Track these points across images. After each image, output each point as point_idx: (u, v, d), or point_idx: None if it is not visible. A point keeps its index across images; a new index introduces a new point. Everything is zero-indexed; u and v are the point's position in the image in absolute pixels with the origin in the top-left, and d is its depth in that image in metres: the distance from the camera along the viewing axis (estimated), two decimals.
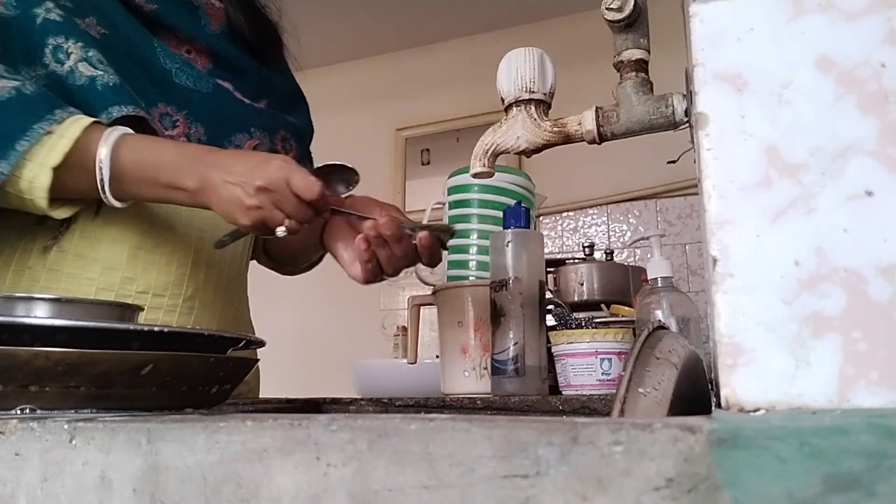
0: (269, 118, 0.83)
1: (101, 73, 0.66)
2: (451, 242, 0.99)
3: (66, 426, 0.31)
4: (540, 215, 2.11)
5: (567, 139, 0.56)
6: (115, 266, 0.70)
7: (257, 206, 0.61)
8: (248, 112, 0.81)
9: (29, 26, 0.66)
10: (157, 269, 0.73)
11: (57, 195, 0.62)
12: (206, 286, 0.77)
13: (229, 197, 0.61)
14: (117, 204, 0.64)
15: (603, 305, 1.31)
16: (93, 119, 0.63)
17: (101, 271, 0.70)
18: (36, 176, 0.59)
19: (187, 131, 0.74)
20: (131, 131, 0.64)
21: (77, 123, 0.61)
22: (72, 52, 0.66)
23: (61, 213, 0.65)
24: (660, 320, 0.87)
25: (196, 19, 0.78)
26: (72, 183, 0.62)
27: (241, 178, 0.61)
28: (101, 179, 0.61)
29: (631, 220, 2.08)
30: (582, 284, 1.40)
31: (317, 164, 0.98)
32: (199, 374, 0.42)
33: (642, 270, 1.36)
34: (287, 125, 0.86)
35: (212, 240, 0.78)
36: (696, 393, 0.38)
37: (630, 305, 1.27)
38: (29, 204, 0.62)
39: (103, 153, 0.61)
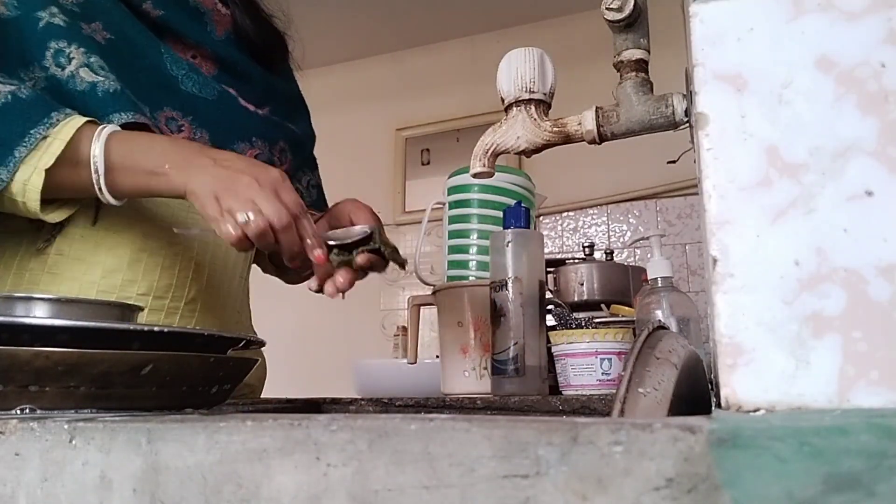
0: (270, 126, 0.84)
1: (101, 79, 0.66)
2: (451, 242, 0.99)
3: (66, 426, 0.31)
4: (540, 215, 2.11)
5: (567, 139, 0.56)
6: (116, 269, 0.70)
7: (230, 189, 0.58)
8: (251, 120, 0.81)
9: (30, 28, 0.65)
10: (159, 271, 0.72)
11: (50, 196, 0.62)
12: (208, 289, 0.77)
13: (209, 176, 0.59)
14: (113, 201, 0.63)
15: (603, 305, 1.31)
16: (86, 119, 0.62)
17: (103, 274, 0.69)
18: (29, 178, 0.59)
19: (192, 136, 0.75)
20: (121, 129, 0.63)
21: (70, 124, 0.60)
22: (73, 58, 0.65)
23: (54, 217, 0.64)
24: (660, 320, 0.87)
25: (202, 25, 0.79)
26: (65, 182, 0.61)
27: (232, 166, 0.59)
28: (97, 177, 0.61)
29: (631, 220, 2.08)
30: (582, 284, 1.40)
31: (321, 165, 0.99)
32: (199, 374, 0.42)
33: (642, 270, 1.36)
34: (287, 134, 0.87)
35: (215, 243, 0.78)
36: (696, 393, 0.38)
37: (630, 305, 1.27)
38: (21, 207, 0.61)
39: (97, 150, 0.60)
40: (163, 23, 0.75)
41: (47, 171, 0.59)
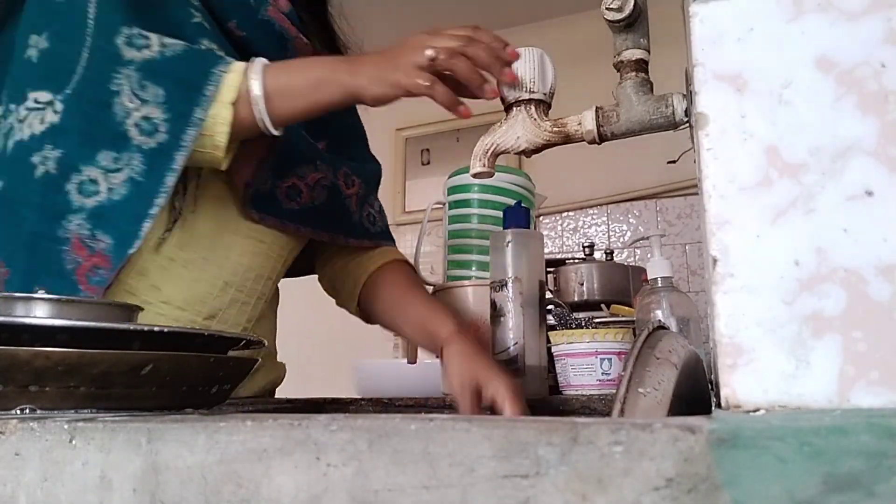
0: (330, 157, 0.85)
1: None
2: (451, 242, 0.99)
3: (66, 426, 0.31)
4: (540, 215, 2.11)
5: (567, 139, 0.56)
6: (144, 272, 0.70)
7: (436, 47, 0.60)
8: (312, 146, 0.82)
9: (183, 19, 0.68)
10: (184, 283, 0.72)
11: (233, 134, 0.64)
12: (229, 308, 0.77)
13: (393, 55, 0.62)
14: (274, 132, 0.64)
15: (603, 305, 1.31)
16: (245, 63, 0.65)
17: (130, 274, 0.69)
18: (218, 112, 0.62)
19: (263, 155, 0.76)
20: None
21: (238, 63, 0.64)
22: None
23: (226, 163, 0.66)
24: (660, 320, 0.87)
25: (283, 52, 0.78)
26: (241, 119, 0.63)
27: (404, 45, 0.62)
28: (258, 108, 0.63)
29: (631, 220, 2.08)
30: (582, 284, 1.40)
31: None
32: (199, 374, 0.42)
33: (642, 270, 1.35)
34: (348, 164, 0.87)
35: (248, 269, 0.78)
36: (696, 393, 0.38)
37: (630, 305, 1.27)
38: (208, 142, 0.63)
39: (255, 85, 0.62)
40: (246, 43, 0.76)
41: (232, 104, 0.62)
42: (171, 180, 0.61)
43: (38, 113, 0.63)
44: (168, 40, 0.63)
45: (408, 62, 0.60)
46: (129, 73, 0.61)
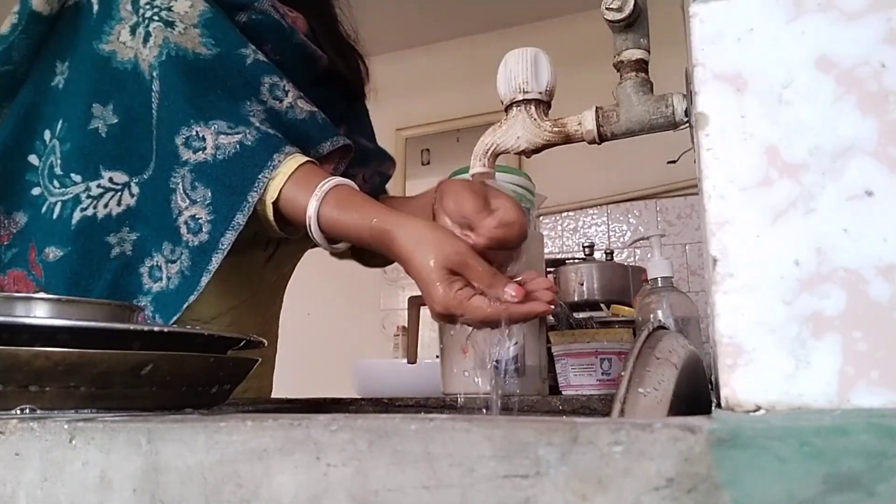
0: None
1: (316, 109, 0.70)
2: None
3: (66, 426, 0.31)
4: (540, 215, 2.10)
5: (567, 139, 0.56)
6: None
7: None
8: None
9: (238, 64, 0.67)
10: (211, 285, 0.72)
11: (285, 219, 0.64)
12: (242, 310, 0.79)
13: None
14: (326, 247, 0.64)
15: (603, 305, 1.31)
16: (305, 159, 0.64)
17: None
18: (263, 210, 0.63)
19: None
20: (346, 182, 0.63)
21: (288, 164, 0.63)
22: (288, 91, 0.69)
23: (295, 234, 0.67)
24: (660, 320, 0.87)
25: (311, 72, 0.78)
26: (290, 213, 0.63)
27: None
28: (310, 228, 0.61)
29: (631, 220, 2.08)
30: (582, 284, 1.40)
31: None
32: (199, 374, 0.42)
33: (642, 270, 1.35)
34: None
35: (260, 275, 0.80)
36: (696, 393, 0.38)
37: (630, 305, 1.27)
38: (271, 228, 0.65)
39: (312, 208, 0.61)
40: (278, 65, 0.75)
41: (274, 203, 0.62)
42: (205, 280, 0.63)
43: (114, 194, 0.66)
44: (222, 140, 0.63)
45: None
46: (184, 174, 0.63)
